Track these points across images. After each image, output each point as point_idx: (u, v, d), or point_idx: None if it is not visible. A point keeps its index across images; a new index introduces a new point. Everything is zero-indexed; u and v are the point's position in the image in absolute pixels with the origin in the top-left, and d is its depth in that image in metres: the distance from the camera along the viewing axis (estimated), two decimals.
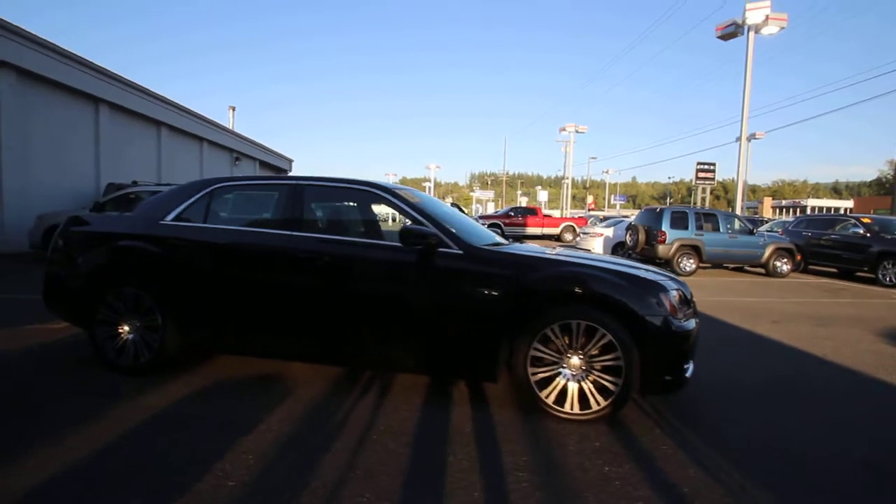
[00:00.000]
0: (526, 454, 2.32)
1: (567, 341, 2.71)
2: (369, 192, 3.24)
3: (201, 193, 3.35)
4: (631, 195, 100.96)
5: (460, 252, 2.86)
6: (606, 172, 49.03)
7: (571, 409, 2.70)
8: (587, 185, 76.21)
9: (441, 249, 2.87)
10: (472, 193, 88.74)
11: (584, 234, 15.05)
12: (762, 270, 11.20)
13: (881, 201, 42.62)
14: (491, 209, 58.31)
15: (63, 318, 3.59)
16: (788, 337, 5.10)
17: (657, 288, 2.74)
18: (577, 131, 26.75)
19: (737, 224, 11.51)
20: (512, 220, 22.15)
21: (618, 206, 60.08)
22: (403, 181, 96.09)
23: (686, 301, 2.90)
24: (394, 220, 4.66)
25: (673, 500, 1.97)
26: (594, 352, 2.69)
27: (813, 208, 56.93)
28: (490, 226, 11.49)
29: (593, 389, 2.69)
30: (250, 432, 2.44)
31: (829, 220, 12.57)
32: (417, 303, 2.88)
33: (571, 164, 30.04)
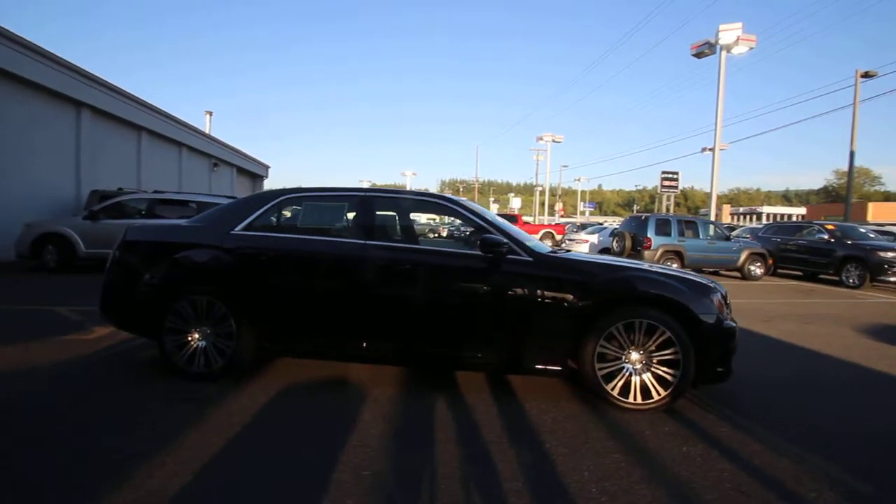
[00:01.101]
0: (610, 439, 2.59)
1: (629, 338, 3.01)
2: (441, 205, 3.48)
3: (270, 204, 3.49)
4: (598, 202, 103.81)
5: (530, 259, 3.13)
6: (578, 180, 50.47)
7: (635, 399, 3.00)
8: (557, 193, 78.01)
9: (510, 256, 3.13)
10: None
11: (570, 240, 15.60)
12: (737, 274, 11.96)
13: (830, 208, 45.78)
14: None
15: (123, 327, 3.63)
16: (782, 334, 5.60)
17: (709, 290, 3.09)
18: (553, 141, 27.67)
19: (713, 231, 12.26)
20: None
21: (587, 213, 61.97)
22: (374, 186, 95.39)
23: (727, 302, 3.26)
24: (431, 231, 4.88)
25: (752, 469, 2.29)
26: (652, 347, 3.00)
27: (768, 215, 60.29)
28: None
29: (654, 381, 3.00)
30: (355, 428, 2.61)
31: (796, 226, 13.54)
32: (492, 306, 3.13)
33: (549, 171, 30.98)
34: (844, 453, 2.51)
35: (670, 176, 38.81)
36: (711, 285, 3.16)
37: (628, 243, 12.11)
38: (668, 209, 39.61)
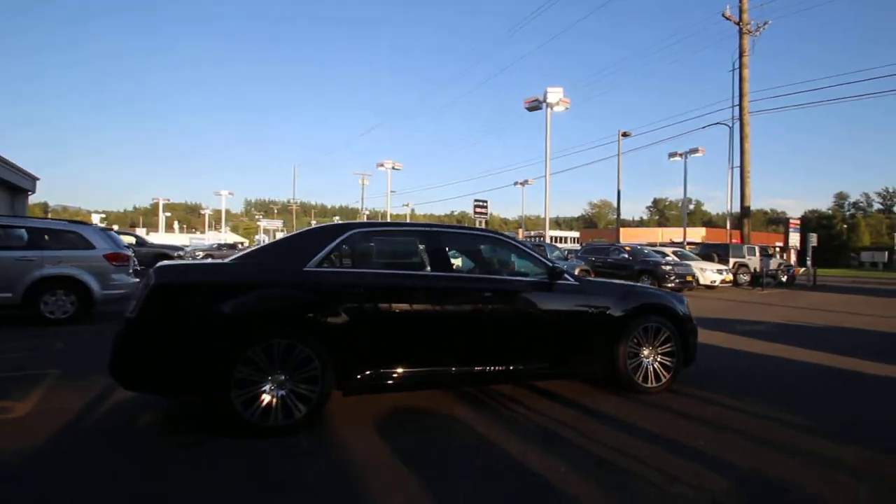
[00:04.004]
0: (649, 416, 3.50)
1: (644, 338, 4.02)
2: (497, 239, 3.99)
3: (340, 239, 3.44)
4: None
5: (577, 283, 3.90)
6: (406, 205, 53.26)
7: (651, 384, 4.00)
8: (380, 217, 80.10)
9: (559, 282, 3.84)
10: (259, 222, 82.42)
11: None
12: None
13: (593, 233, 58.94)
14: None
15: (162, 391, 3.09)
16: None
17: (683, 299, 4.33)
18: (393, 168, 29.08)
19: (557, 253, 14.99)
20: None
21: None
22: (174, 206, 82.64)
23: None
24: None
25: (760, 426, 3.46)
26: (658, 343, 4.07)
27: (551, 237, 73.31)
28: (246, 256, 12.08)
29: (660, 368, 4.06)
30: (508, 450, 2.93)
31: (605, 248, 17.46)
32: (554, 323, 3.77)
33: (389, 195, 32.17)
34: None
35: (481, 203, 44.54)
36: (682, 296, 4.43)
37: None
38: None
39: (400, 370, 3.37)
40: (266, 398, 3.02)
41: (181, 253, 24.84)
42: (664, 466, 2.62)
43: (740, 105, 21.66)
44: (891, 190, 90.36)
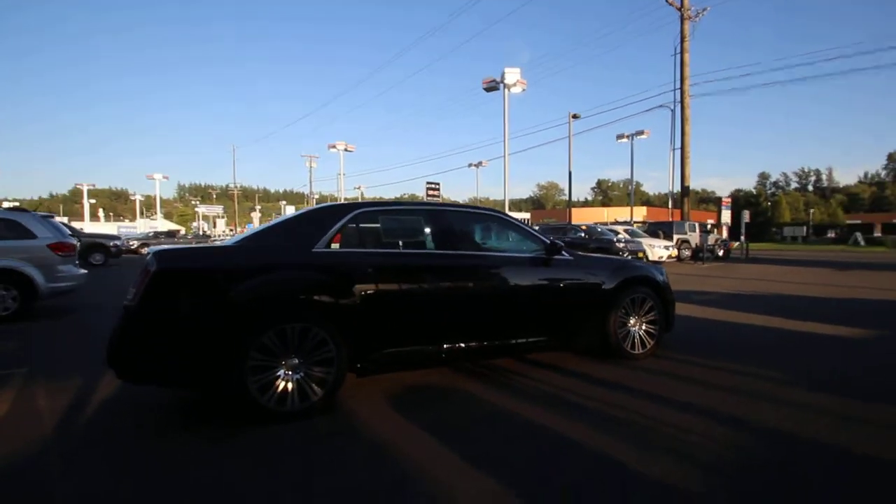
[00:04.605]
0: (643, 379, 3.77)
1: (632, 308, 4.27)
2: (495, 217, 4.09)
3: (346, 218, 3.38)
4: None
5: (572, 258, 4.06)
6: (358, 188, 52.14)
7: (637, 350, 4.27)
8: (326, 199, 78.16)
9: (556, 257, 3.99)
10: (196, 208, 77.86)
11: None
12: None
13: (543, 213, 60.73)
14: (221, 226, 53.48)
15: (169, 382, 2.95)
16: None
17: (663, 271, 4.62)
18: (346, 150, 28.27)
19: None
20: None
21: None
22: (97, 193, 76.23)
23: None
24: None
25: (742, 381, 3.80)
26: (643, 312, 4.33)
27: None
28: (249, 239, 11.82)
29: (645, 335, 4.34)
30: (526, 415, 3.05)
31: (563, 227, 18.06)
32: (554, 297, 3.93)
33: (342, 179, 31.25)
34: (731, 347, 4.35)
35: (433, 185, 44.52)
36: (662, 268, 4.72)
37: None
38: None
39: (413, 348, 3.40)
40: (281, 383, 2.97)
41: (117, 243, 23.18)
42: (674, 421, 2.85)
43: (681, 89, 22.80)
44: (806, 170, 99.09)
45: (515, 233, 4.10)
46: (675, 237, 19.53)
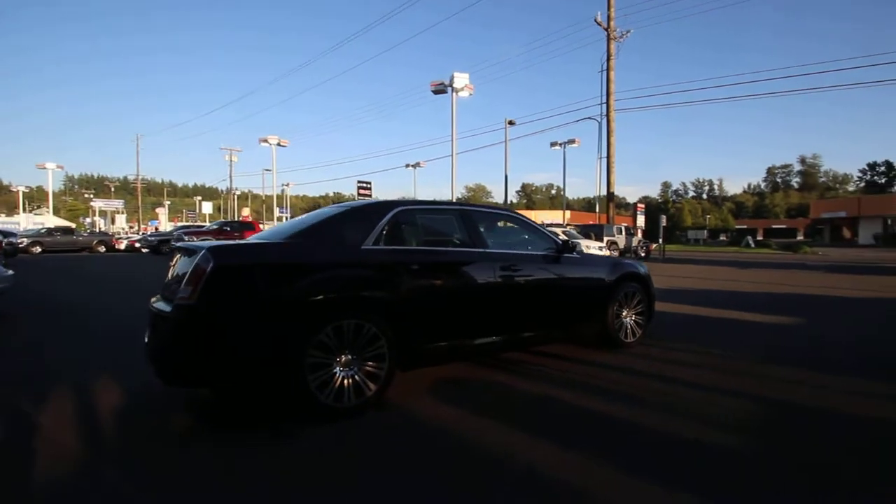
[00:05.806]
0: (643, 364, 4.28)
1: (626, 301, 4.77)
2: (512, 216, 4.39)
3: (388, 217, 3.47)
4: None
5: (579, 256, 4.46)
6: (286, 185, 49.90)
7: (629, 339, 4.78)
8: (248, 197, 74.44)
9: (565, 255, 4.37)
10: (92, 202, 69.91)
11: None
12: None
13: None
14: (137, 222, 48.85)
15: (225, 384, 2.91)
16: None
17: (645, 267, 5.19)
18: (279, 144, 26.95)
19: None
20: (228, 235, 21.33)
21: (284, 218, 61.93)
22: None
23: None
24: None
25: (718, 361, 4.41)
26: (633, 304, 4.86)
27: None
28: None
29: (634, 325, 4.86)
30: (558, 398, 3.35)
31: None
32: (569, 292, 4.31)
33: (275, 175, 29.65)
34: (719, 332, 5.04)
35: (365, 185, 44.07)
36: (644, 264, 5.29)
37: None
38: None
39: (453, 342, 3.58)
40: (339, 380, 3.02)
41: (12, 240, 20.47)
42: (689, 397, 3.32)
43: (607, 103, 24.76)
44: (701, 180, 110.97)
45: (531, 232, 4.42)
46: (605, 238, 21.19)
